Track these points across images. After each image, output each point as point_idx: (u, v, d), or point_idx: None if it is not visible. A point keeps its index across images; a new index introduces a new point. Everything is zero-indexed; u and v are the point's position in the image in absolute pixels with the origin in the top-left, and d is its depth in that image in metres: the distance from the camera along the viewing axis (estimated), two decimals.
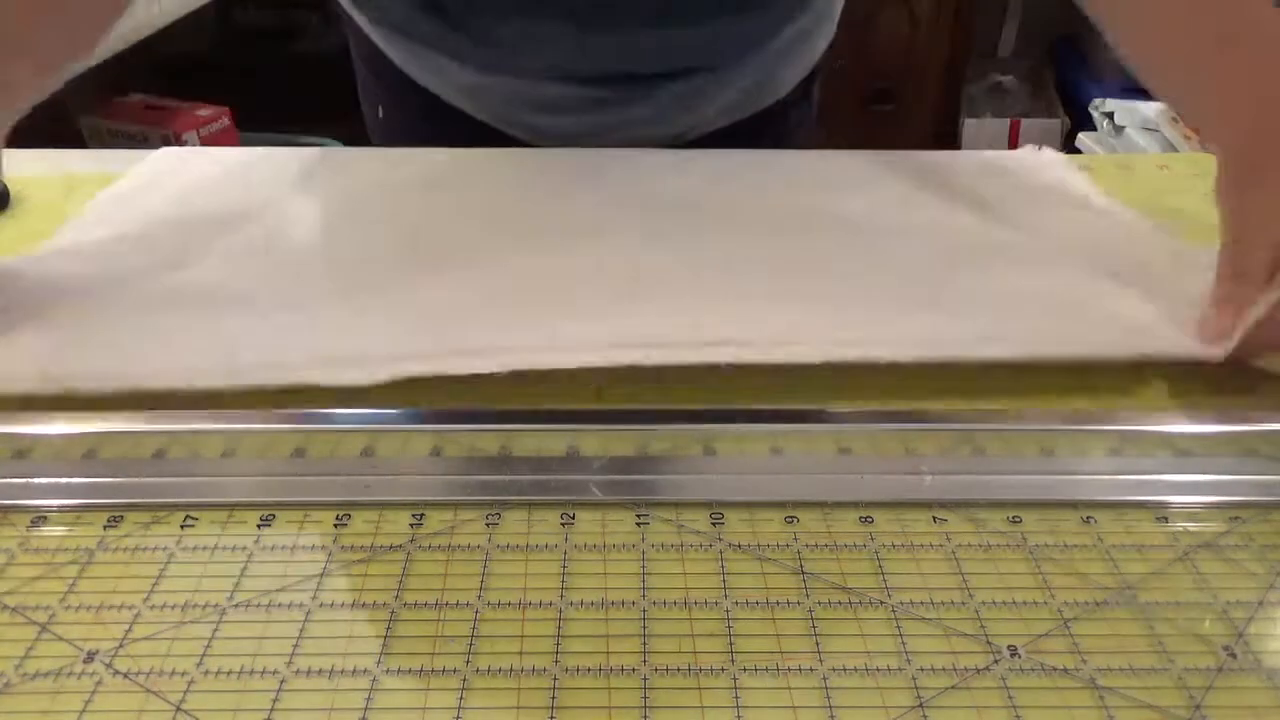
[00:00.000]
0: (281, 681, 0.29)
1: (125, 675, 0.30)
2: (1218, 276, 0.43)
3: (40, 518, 0.36)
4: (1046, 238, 0.51)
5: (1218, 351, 0.41)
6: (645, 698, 0.29)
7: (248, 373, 0.40)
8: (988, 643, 0.31)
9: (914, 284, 0.47)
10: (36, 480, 0.37)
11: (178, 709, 0.29)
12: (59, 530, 0.35)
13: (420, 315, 0.44)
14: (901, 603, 0.32)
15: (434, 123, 0.67)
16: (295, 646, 0.31)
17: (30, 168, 0.61)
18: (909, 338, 0.42)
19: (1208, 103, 0.45)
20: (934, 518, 0.36)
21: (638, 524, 0.36)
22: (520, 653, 0.30)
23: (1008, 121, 2.02)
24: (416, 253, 0.50)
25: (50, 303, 0.45)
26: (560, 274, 0.47)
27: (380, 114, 0.75)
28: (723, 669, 0.30)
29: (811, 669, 0.30)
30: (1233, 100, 0.44)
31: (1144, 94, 1.30)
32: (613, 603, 0.32)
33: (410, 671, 0.30)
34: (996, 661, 0.30)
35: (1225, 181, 0.43)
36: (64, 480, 0.37)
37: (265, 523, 0.35)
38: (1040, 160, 0.63)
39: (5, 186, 0.57)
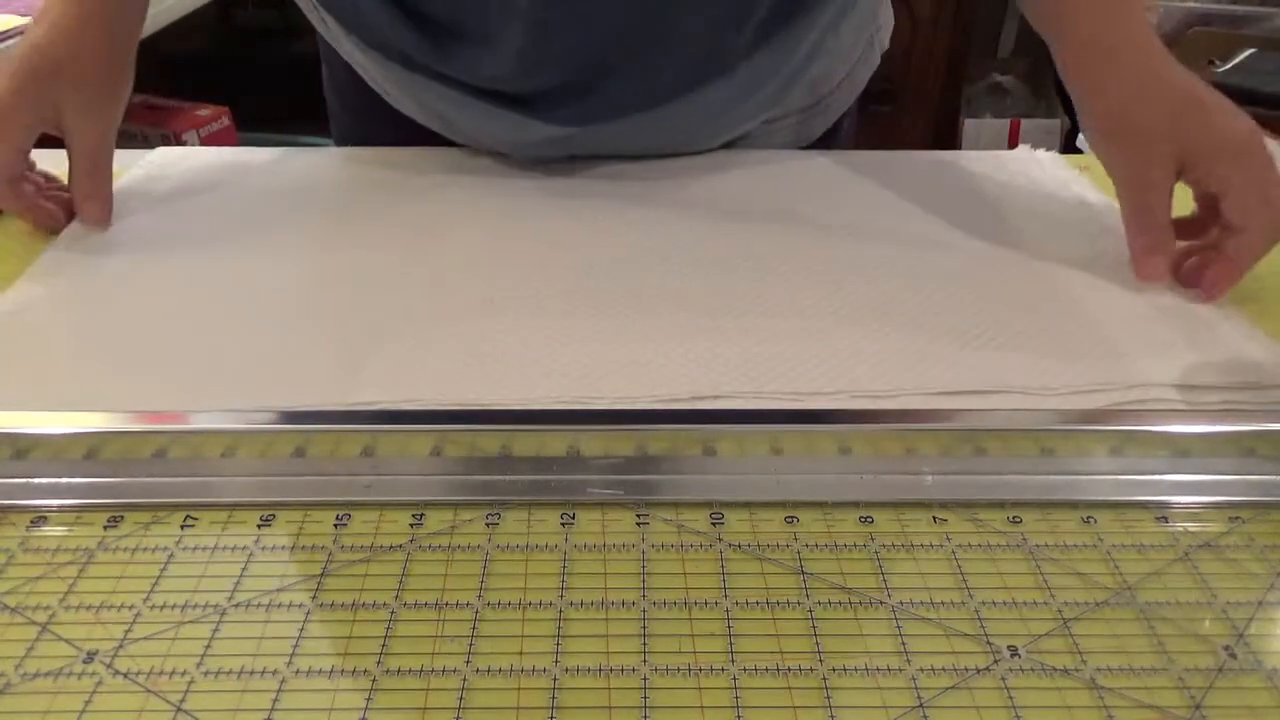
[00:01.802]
0: (281, 681, 0.29)
1: (125, 675, 0.30)
2: (1127, 230, 0.48)
3: (40, 518, 0.36)
4: (1056, 252, 0.51)
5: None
6: (645, 698, 0.29)
7: (242, 395, 0.40)
8: (988, 643, 0.31)
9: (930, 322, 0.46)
10: (36, 480, 0.37)
11: (178, 709, 0.29)
12: (59, 530, 0.35)
13: (436, 346, 0.43)
14: (901, 603, 0.32)
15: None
16: (295, 646, 0.31)
17: None
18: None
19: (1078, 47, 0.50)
20: (934, 518, 0.36)
21: (638, 524, 0.36)
22: (520, 653, 0.30)
23: (1008, 121, 2.02)
24: (418, 270, 0.50)
25: (44, 327, 0.45)
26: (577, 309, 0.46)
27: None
28: (723, 669, 0.30)
29: (811, 669, 0.30)
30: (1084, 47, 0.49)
31: None
32: (613, 603, 0.32)
33: (410, 671, 0.30)
34: (996, 661, 0.30)
35: (1099, 132, 0.49)
36: (64, 480, 0.37)
37: (265, 523, 0.35)
38: (1036, 161, 0.63)
39: None
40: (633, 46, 0.55)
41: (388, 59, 0.59)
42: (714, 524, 0.36)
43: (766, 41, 0.57)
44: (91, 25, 0.52)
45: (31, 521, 0.35)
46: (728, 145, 0.64)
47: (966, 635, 0.31)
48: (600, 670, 0.30)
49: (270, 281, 0.49)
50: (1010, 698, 0.29)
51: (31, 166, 0.54)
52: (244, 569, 0.33)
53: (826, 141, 0.69)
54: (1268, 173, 0.45)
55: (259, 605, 0.32)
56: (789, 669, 0.30)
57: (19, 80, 0.50)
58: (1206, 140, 0.46)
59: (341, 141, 0.73)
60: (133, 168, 0.60)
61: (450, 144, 0.64)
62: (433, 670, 0.30)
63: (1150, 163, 0.46)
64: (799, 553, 0.34)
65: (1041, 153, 0.64)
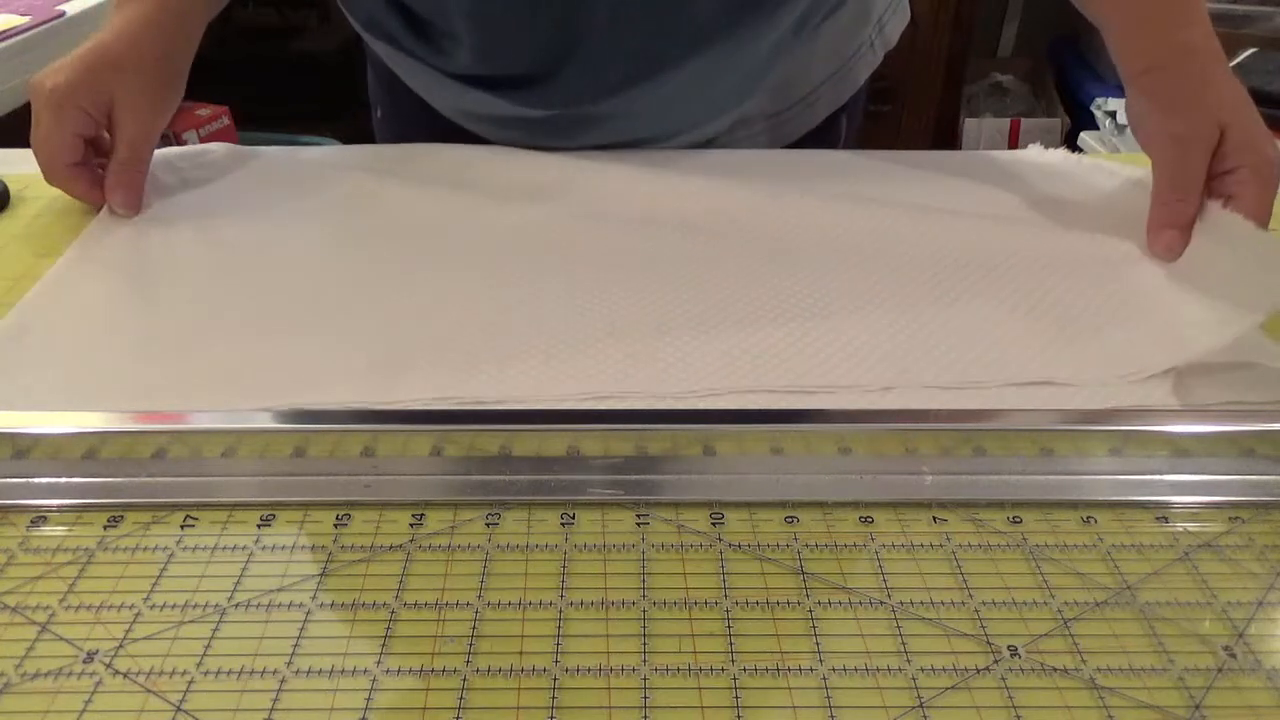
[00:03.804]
0: (281, 681, 0.29)
1: (125, 675, 0.30)
2: (1155, 197, 0.49)
3: (40, 518, 0.36)
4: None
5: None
6: (645, 698, 0.29)
7: (254, 395, 0.40)
8: (988, 643, 0.31)
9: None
10: (36, 480, 0.37)
11: (178, 709, 0.29)
12: (59, 530, 0.35)
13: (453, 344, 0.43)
14: (901, 603, 0.32)
15: (425, 127, 0.66)
16: (295, 646, 0.31)
17: (30, 167, 0.61)
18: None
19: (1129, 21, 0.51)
20: (934, 518, 0.36)
21: (638, 524, 0.36)
22: (520, 653, 0.30)
23: (1008, 121, 2.02)
24: (438, 270, 0.50)
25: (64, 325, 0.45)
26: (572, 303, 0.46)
27: (379, 114, 0.75)
28: (723, 669, 0.30)
29: (811, 669, 0.30)
30: (1148, 36, 0.51)
31: None
32: (613, 603, 0.32)
33: (410, 671, 0.30)
34: (996, 661, 0.30)
35: (1141, 109, 0.51)
36: (64, 480, 0.37)
37: (265, 523, 0.35)
38: (1046, 161, 0.63)
39: (5, 186, 0.57)
40: (582, 39, 0.56)
41: (378, 39, 0.62)
42: (714, 524, 0.36)
43: (715, 41, 0.57)
44: (151, 32, 0.56)
45: (31, 521, 0.35)
46: (713, 143, 0.64)
47: (966, 635, 0.31)
48: (600, 670, 0.30)
49: (287, 281, 0.49)
50: (1010, 698, 0.29)
51: (95, 152, 0.57)
52: (244, 569, 0.33)
53: (820, 138, 0.69)
54: (1269, 197, 0.48)
55: (259, 605, 0.32)
56: (789, 669, 0.30)
57: (78, 73, 0.54)
58: (1243, 142, 0.48)
59: (376, 139, 0.75)
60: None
61: (478, 139, 0.65)
62: (433, 670, 0.30)
63: (1195, 133, 0.48)
64: (799, 553, 0.34)
65: (1052, 152, 0.63)
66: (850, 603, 0.32)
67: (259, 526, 0.35)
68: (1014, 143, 2.00)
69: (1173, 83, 0.50)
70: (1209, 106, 0.48)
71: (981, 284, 0.47)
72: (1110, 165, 0.60)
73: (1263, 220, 0.47)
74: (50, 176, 0.56)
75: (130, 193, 0.55)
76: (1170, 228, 0.48)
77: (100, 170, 0.56)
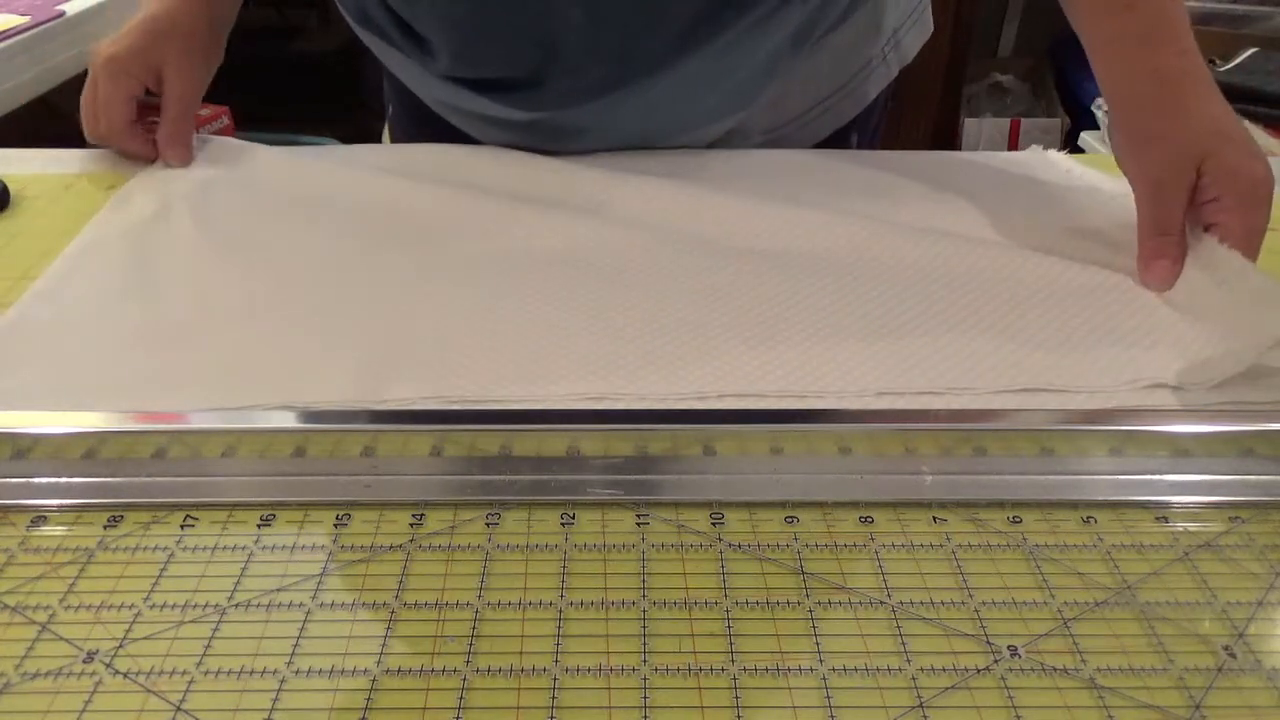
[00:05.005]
0: (281, 681, 0.29)
1: (125, 675, 0.30)
2: (1140, 234, 0.49)
3: (40, 518, 0.36)
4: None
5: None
6: (645, 698, 0.29)
7: (249, 392, 0.40)
8: (988, 643, 0.31)
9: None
10: (36, 480, 0.37)
11: (178, 709, 0.29)
12: (59, 530, 0.35)
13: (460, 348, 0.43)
14: (901, 603, 0.32)
15: (435, 125, 0.67)
16: (295, 646, 0.31)
17: (30, 167, 0.61)
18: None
19: (1101, 60, 0.51)
20: (934, 518, 0.36)
21: (638, 524, 0.36)
22: (520, 653, 0.30)
23: (1008, 121, 2.02)
24: (436, 269, 0.50)
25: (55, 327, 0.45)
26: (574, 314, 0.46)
27: (391, 111, 0.76)
28: (723, 669, 0.30)
29: (811, 669, 0.30)
30: (1122, 61, 0.50)
31: None
32: (613, 603, 0.32)
33: (410, 671, 0.30)
34: (996, 661, 0.30)
35: (1119, 142, 0.51)
36: (64, 480, 0.37)
37: (265, 523, 0.35)
38: (1049, 162, 0.62)
39: (5, 186, 0.57)
40: (560, 41, 0.56)
41: (371, 35, 0.63)
42: (714, 524, 0.36)
43: (701, 45, 0.57)
44: (195, 4, 0.63)
45: (31, 521, 0.35)
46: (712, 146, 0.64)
47: (966, 635, 0.31)
48: (600, 670, 0.30)
49: (284, 280, 0.49)
50: (1010, 698, 0.29)
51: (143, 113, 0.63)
52: (244, 569, 0.33)
53: (833, 147, 0.68)
54: (1259, 219, 0.47)
55: (259, 605, 0.32)
56: (789, 669, 0.30)
57: (136, 40, 0.61)
58: (1221, 173, 0.47)
59: (396, 138, 0.76)
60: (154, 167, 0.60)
61: (453, 132, 0.65)
62: (433, 670, 0.30)
63: (1170, 174, 0.48)
64: (799, 553, 0.34)
65: (1053, 153, 0.63)
66: (850, 603, 0.32)
67: (259, 526, 0.35)
68: (1014, 143, 2.00)
69: (1146, 118, 0.49)
70: (1182, 143, 0.48)
71: (977, 299, 0.47)
72: (1107, 174, 0.59)
73: (1252, 242, 0.46)
74: (108, 136, 0.61)
75: (183, 148, 0.61)
76: (1159, 259, 0.48)
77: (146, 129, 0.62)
